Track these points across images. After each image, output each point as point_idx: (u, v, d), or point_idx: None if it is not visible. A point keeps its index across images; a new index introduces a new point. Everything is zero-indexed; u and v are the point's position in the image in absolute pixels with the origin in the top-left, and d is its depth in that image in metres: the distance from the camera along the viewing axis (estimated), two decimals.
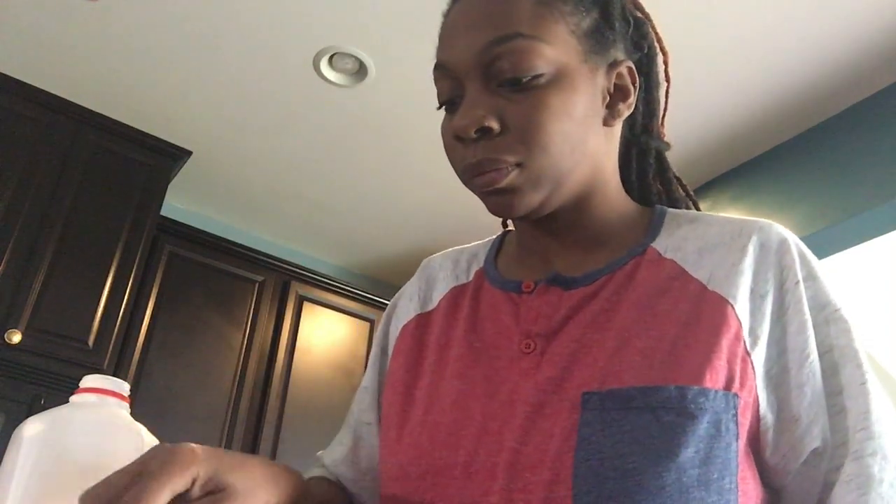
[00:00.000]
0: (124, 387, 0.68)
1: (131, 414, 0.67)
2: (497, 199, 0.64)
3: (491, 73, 0.62)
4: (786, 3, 2.02)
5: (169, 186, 2.63)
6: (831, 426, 0.59)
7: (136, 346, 2.45)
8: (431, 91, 0.70)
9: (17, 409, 2.05)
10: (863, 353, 0.62)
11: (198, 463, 0.50)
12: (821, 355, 0.61)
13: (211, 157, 2.85)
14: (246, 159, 2.86)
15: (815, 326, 0.61)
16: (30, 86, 2.36)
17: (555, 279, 0.67)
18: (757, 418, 0.59)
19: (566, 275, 0.67)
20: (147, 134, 2.55)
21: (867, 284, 2.36)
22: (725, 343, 0.58)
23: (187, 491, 0.50)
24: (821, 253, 2.19)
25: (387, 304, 0.83)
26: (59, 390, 2.13)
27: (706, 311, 0.60)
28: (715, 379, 0.57)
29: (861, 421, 0.58)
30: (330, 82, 2.44)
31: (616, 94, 0.68)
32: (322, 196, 3.06)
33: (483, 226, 2.15)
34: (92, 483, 0.49)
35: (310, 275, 3.00)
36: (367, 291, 3.14)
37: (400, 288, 0.84)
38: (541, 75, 0.62)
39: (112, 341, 2.28)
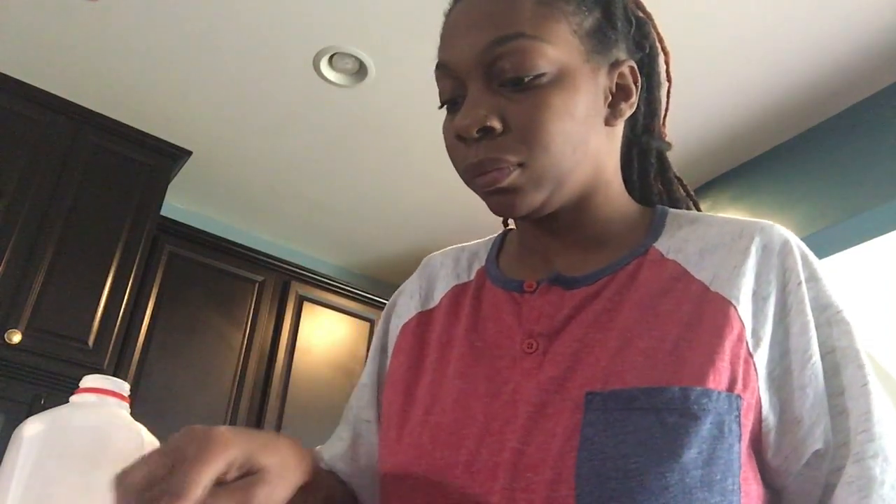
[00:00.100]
0: (124, 387, 0.68)
1: (131, 414, 0.67)
2: (499, 199, 0.64)
3: (493, 73, 0.62)
4: (786, 3, 2.02)
5: (169, 186, 2.63)
6: (833, 427, 0.59)
7: (135, 346, 2.45)
8: (431, 91, 0.70)
9: (17, 409, 2.05)
10: (864, 355, 0.61)
11: (234, 445, 0.49)
12: (822, 356, 0.60)
13: (211, 157, 2.85)
14: (246, 159, 2.86)
15: (817, 328, 0.61)
16: (30, 86, 2.36)
17: (557, 279, 0.67)
18: (759, 420, 0.59)
19: (568, 274, 0.67)
20: (147, 134, 2.54)
21: (867, 284, 2.36)
22: (728, 344, 0.58)
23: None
24: (821, 253, 2.18)
25: (386, 304, 0.83)
26: (59, 390, 2.13)
27: (708, 312, 0.60)
28: (718, 380, 0.56)
29: (862, 422, 0.58)
30: (330, 82, 2.44)
31: (618, 94, 0.68)
32: (322, 196, 3.06)
33: (483, 225, 2.15)
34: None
35: (310, 275, 2.99)
36: (367, 291, 3.14)
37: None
38: (543, 75, 0.62)
39: (112, 341, 2.27)
